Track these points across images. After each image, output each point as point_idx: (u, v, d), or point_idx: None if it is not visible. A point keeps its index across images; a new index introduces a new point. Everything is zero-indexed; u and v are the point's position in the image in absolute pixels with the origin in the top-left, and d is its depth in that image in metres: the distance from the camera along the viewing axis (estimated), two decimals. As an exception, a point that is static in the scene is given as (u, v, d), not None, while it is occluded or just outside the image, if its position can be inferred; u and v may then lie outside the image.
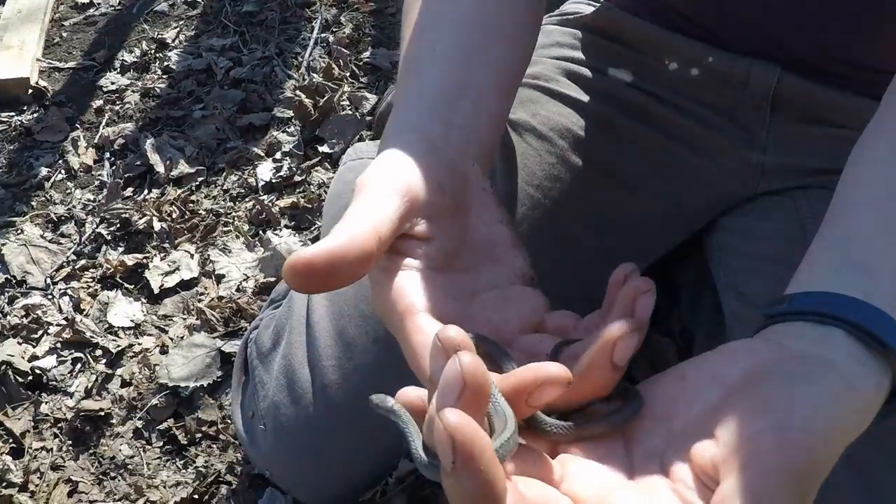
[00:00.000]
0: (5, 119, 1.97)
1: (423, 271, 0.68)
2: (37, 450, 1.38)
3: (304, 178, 1.74)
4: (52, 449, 1.38)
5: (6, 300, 1.59)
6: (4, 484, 1.33)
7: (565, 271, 1.11)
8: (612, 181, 1.15)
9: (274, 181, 1.73)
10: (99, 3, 2.29)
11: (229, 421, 1.37)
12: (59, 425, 1.41)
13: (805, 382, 0.55)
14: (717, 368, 0.60)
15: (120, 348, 1.49)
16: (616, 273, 0.68)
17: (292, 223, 1.66)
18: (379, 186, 0.68)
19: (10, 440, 1.39)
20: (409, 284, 0.67)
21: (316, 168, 1.76)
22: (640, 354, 1.32)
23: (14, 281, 1.63)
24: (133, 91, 2.01)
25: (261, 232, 1.65)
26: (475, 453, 0.44)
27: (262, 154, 1.80)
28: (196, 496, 1.29)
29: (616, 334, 0.58)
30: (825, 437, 0.53)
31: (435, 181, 0.70)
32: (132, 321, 1.54)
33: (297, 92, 1.88)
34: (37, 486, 1.34)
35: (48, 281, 1.62)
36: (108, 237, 1.68)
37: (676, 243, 1.19)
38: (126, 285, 1.60)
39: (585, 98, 1.17)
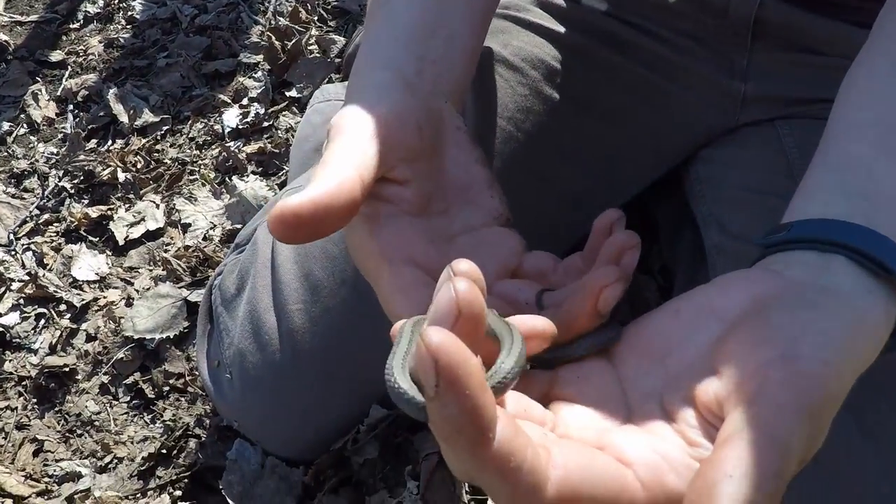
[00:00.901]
0: (-35, 74, 1.88)
1: (400, 217, 0.65)
2: (1, 409, 1.31)
3: (271, 123, 1.65)
4: (16, 408, 1.31)
5: (-33, 257, 1.51)
6: (-34, 445, 1.27)
7: (541, 207, 1.06)
8: (588, 113, 1.08)
9: (241, 127, 1.65)
10: (60, -45, 2.18)
11: (196, 373, 1.29)
12: (24, 383, 1.33)
13: (812, 310, 0.51)
14: (714, 301, 0.55)
15: (84, 302, 1.42)
16: (601, 220, 0.64)
17: (259, 169, 1.58)
18: (357, 128, 0.63)
19: (-28, 400, 1.32)
20: (386, 231, 0.64)
21: (283, 112, 1.67)
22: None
23: (-25, 238, 1.55)
24: (97, 42, 1.92)
25: (227, 179, 1.56)
26: (460, 376, 0.39)
27: (229, 100, 1.71)
28: (164, 451, 1.22)
29: (602, 282, 0.56)
30: (837, 368, 0.49)
31: (413, 122, 0.66)
32: (97, 274, 1.46)
33: (267, 33, 1.79)
34: (1, 446, 1.27)
35: (11, 237, 1.54)
36: (72, 190, 1.60)
37: (655, 178, 1.14)
38: (90, 238, 1.52)
39: (559, 28, 1.09)
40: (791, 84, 1.05)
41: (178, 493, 1.17)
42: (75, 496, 1.17)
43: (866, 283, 0.55)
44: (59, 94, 1.80)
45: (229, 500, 1.11)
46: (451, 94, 0.73)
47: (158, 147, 1.66)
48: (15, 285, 1.45)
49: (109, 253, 1.49)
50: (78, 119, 1.74)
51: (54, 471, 1.23)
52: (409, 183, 0.66)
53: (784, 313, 0.51)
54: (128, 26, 1.95)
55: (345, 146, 0.62)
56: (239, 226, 1.46)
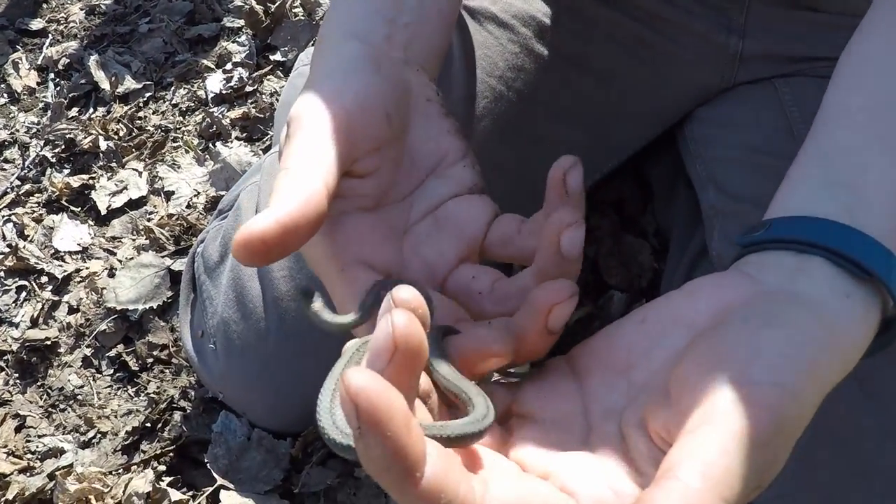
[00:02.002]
0: (-57, 44, 1.81)
1: (353, 214, 0.60)
2: (-18, 385, 1.26)
3: (255, 88, 1.59)
4: (-3, 383, 1.26)
5: (-54, 230, 1.45)
6: (-55, 422, 1.21)
7: (532, 169, 1.00)
8: (582, 71, 1.03)
9: (224, 92, 1.58)
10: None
11: (181, 343, 1.24)
12: (5, 358, 1.28)
13: (773, 326, 0.47)
14: (681, 310, 0.52)
15: (66, 273, 1.36)
16: (555, 169, 0.58)
17: (244, 134, 1.52)
18: (319, 123, 0.57)
19: (-48, 376, 1.27)
20: (339, 232, 0.59)
21: (268, 77, 1.61)
22: (612, 256, 1.22)
23: (-46, 210, 1.49)
24: (77, 9, 1.85)
25: (211, 145, 1.50)
26: (382, 419, 0.37)
27: (212, 66, 1.65)
28: (148, 424, 1.17)
29: (552, 300, 0.52)
30: (795, 391, 0.45)
31: (381, 110, 0.60)
32: (79, 245, 1.40)
33: (248, -2, 1.72)
34: (-18, 422, 1.22)
35: (-9, 208, 1.48)
36: (53, 159, 1.54)
37: (650, 138, 1.09)
38: (72, 208, 1.46)
39: None
40: (790, 41, 1.01)
41: (163, 467, 1.12)
42: (57, 472, 1.11)
43: (844, 286, 0.51)
44: (39, 62, 1.73)
45: (215, 474, 1.06)
46: (424, 59, 0.68)
47: (141, 114, 1.60)
48: (-5, 258, 1.40)
49: (91, 223, 1.44)
50: (59, 87, 1.67)
51: (37, 447, 1.18)
52: (369, 175, 0.61)
53: (743, 331, 0.47)
54: (109, -8, 1.88)
55: (307, 147, 0.56)
56: (223, 192, 1.40)
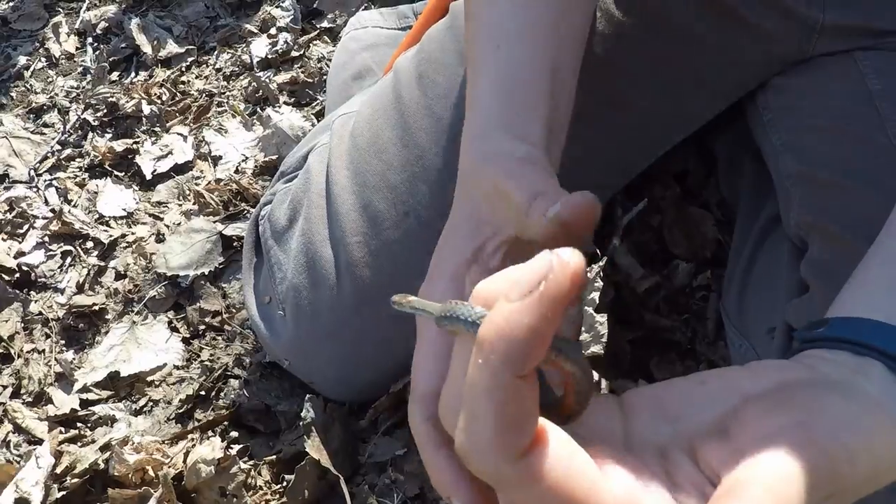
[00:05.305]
0: (-22, 8, 1.75)
1: None
2: (28, 352, 1.20)
3: (301, 52, 1.53)
4: (43, 350, 1.20)
5: (-13, 195, 1.39)
6: (-6, 391, 1.16)
7: (608, 133, 0.97)
8: (659, 37, 0.97)
9: (270, 57, 1.52)
10: None
11: (234, 310, 1.18)
12: (51, 325, 1.22)
13: (838, 394, 0.48)
14: (742, 382, 0.50)
15: (112, 238, 1.30)
16: None
17: (292, 99, 1.46)
18: None
19: (-2, 344, 1.21)
20: None
21: (314, 41, 1.55)
22: (676, 226, 1.17)
23: (-5, 175, 1.43)
24: (114, -26, 1.79)
25: (258, 110, 1.44)
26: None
27: (256, 30, 1.58)
28: (203, 392, 1.11)
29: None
30: (852, 454, 0.44)
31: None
32: (124, 210, 1.34)
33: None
34: (30, 391, 1.16)
35: (32, 173, 1.42)
36: (95, 123, 1.48)
37: (722, 109, 1.04)
38: (116, 173, 1.40)
39: None
40: (872, 14, 0.95)
41: (235, 433, 1.06)
42: (113, 442, 1.05)
43: None
44: (77, 26, 1.67)
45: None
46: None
47: (184, 78, 1.53)
48: (39, 223, 1.34)
49: (136, 188, 1.38)
50: (98, 52, 1.61)
51: (87, 415, 1.12)
52: None
53: (809, 392, 0.48)
54: (147, -43, 1.81)
55: None
56: (273, 157, 1.34)
